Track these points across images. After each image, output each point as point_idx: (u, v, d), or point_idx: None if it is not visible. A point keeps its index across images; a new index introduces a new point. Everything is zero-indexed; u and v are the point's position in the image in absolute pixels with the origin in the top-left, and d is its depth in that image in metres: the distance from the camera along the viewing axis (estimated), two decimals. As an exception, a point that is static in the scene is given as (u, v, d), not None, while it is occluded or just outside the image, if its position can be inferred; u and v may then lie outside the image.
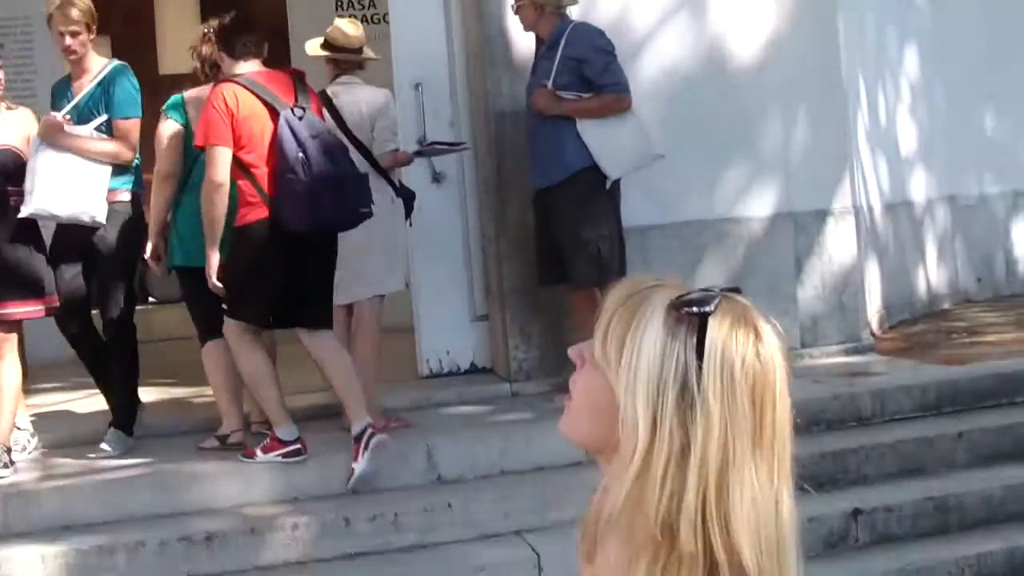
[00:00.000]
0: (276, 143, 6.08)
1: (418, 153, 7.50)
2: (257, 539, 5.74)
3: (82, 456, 6.59)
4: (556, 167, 6.94)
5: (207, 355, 6.74)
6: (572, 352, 1.82)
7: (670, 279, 1.79)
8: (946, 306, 10.59)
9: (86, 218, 6.47)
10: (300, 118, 6.12)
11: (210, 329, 6.62)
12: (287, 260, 6.12)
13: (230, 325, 6.31)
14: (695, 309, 1.69)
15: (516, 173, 7.50)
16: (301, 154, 6.02)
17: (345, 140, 6.80)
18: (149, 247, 6.84)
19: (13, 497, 6.00)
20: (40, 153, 6.43)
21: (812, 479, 6.22)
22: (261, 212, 6.12)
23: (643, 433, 1.68)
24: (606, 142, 6.88)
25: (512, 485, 6.14)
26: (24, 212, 6.40)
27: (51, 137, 6.45)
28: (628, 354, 1.70)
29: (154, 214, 6.88)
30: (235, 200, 6.19)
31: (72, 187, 6.40)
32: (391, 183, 7.05)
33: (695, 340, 1.68)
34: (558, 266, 7.03)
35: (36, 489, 6.11)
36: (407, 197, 7.18)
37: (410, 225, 7.35)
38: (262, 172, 6.12)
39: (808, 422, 6.64)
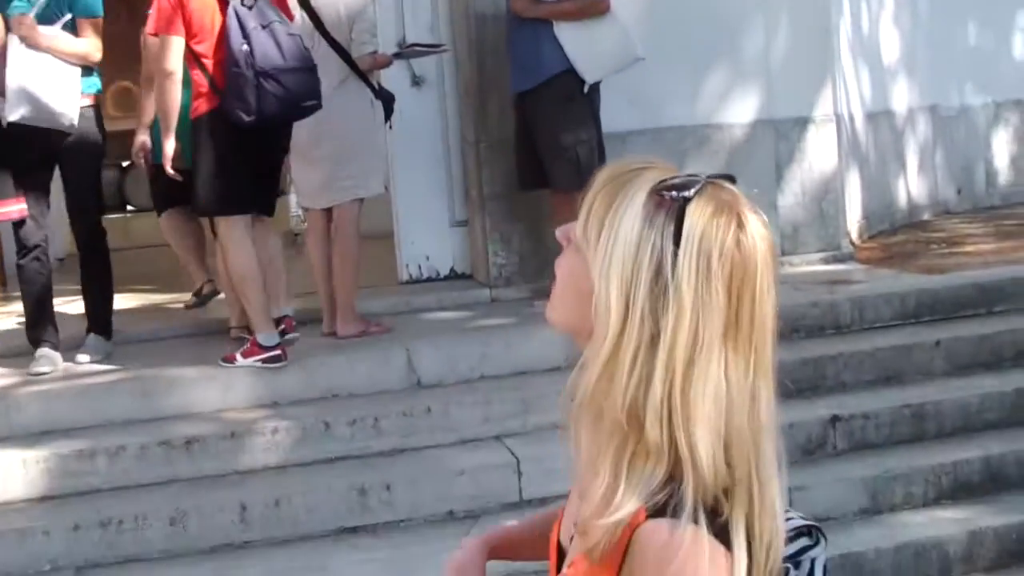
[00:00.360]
0: (223, 34, 6.06)
1: (397, 55, 7.42)
2: (237, 443, 5.74)
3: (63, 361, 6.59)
4: (533, 70, 6.87)
5: (163, 225, 7.50)
6: (559, 232, 1.78)
7: (661, 162, 1.74)
8: (926, 217, 10.60)
9: (65, 121, 6.36)
10: (250, 7, 6.07)
11: (167, 205, 7.36)
12: (242, 148, 6.17)
13: (221, 224, 6.36)
14: (675, 193, 1.65)
15: (497, 77, 7.44)
16: (246, 46, 6.01)
17: (324, 42, 6.75)
18: (136, 143, 6.99)
19: (-8, 402, 6.00)
20: (17, 54, 6.32)
21: (791, 385, 6.25)
22: (211, 103, 6.16)
23: (614, 319, 1.65)
24: (583, 45, 6.80)
25: (492, 390, 6.14)
26: (11, 116, 6.28)
27: (30, 37, 6.33)
28: (605, 237, 1.67)
29: (144, 113, 7.25)
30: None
31: (52, 89, 6.31)
32: (370, 86, 6.98)
33: (673, 226, 1.64)
34: (538, 171, 7.00)
35: (16, 394, 6.10)
36: (387, 100, 7.11)
37: (390, 128, 7.30)
38: (212, 63, 6.13)
39: (787, 329, 6.65)
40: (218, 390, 6.13)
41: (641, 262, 1.64)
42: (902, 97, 10.40)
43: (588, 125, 6.92)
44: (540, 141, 6.93)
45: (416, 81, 7.95)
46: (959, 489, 5.77)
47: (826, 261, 8.23)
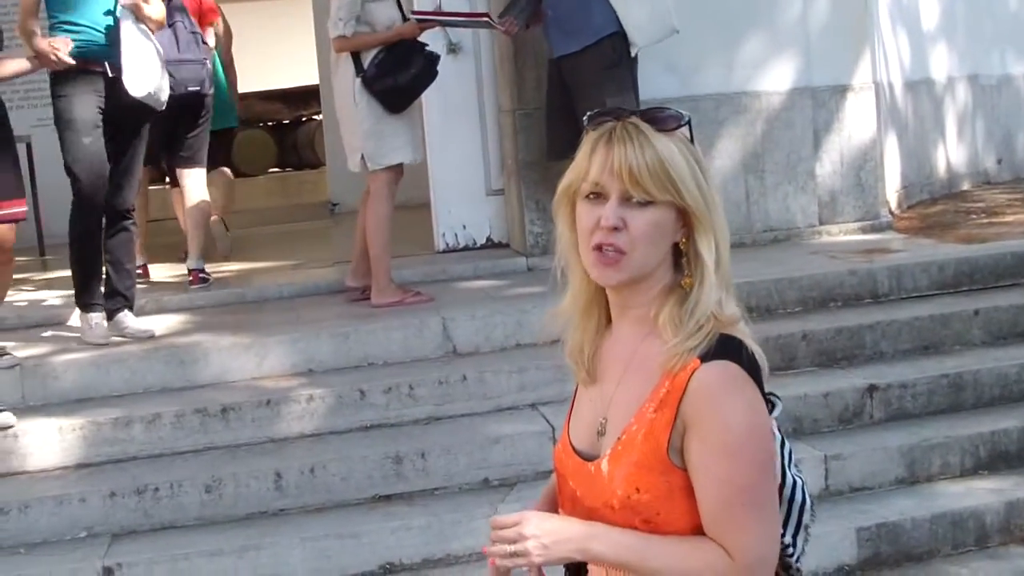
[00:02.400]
0: None
1: (421, 21, 6.97)
2: (272, 411, 5.75)
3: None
4: (580, 33, 6.79)
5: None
6: (613, 220, 2.15)
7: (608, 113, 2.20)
8: (965, 187, 10.52)
9: (164, 97, 6.47)
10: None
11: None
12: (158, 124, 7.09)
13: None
14: (680, 125, 2.18)
15: (533, 44, 7.41)
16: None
17: None
18: None
19: (30, 371, 6.01)
20: (128, 29, 6.28)
21: (828, 354, 6.22)
22: None
23: (710, 204, 2.18)
24: (633, 8, 6.74)
25: (528, 358, 6.12)
26: (137, 93, 6.28)
27: (136, 5, 6.28)
28: (674, 174, 2.14)
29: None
30: None
31: (154, 62, 6.40)
32: (358, 65, 6.72)
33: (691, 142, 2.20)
34: (570, 137, 6.90)
35: (53, 362, 6.12)
36: (369, 79, 6.70)
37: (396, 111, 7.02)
38: None
39: (825, 298, 6.63)
40: (253, 358, 6.15)
41: (696, 172, 2.17)
42: (941, 65, 10.31)
43: (630, 92, 6.84)
44: (581, 107, 6.84)
45: (452, 49, 7.92)
46: (997, 459, 5.73)
47: (864, 230, 8.18)
